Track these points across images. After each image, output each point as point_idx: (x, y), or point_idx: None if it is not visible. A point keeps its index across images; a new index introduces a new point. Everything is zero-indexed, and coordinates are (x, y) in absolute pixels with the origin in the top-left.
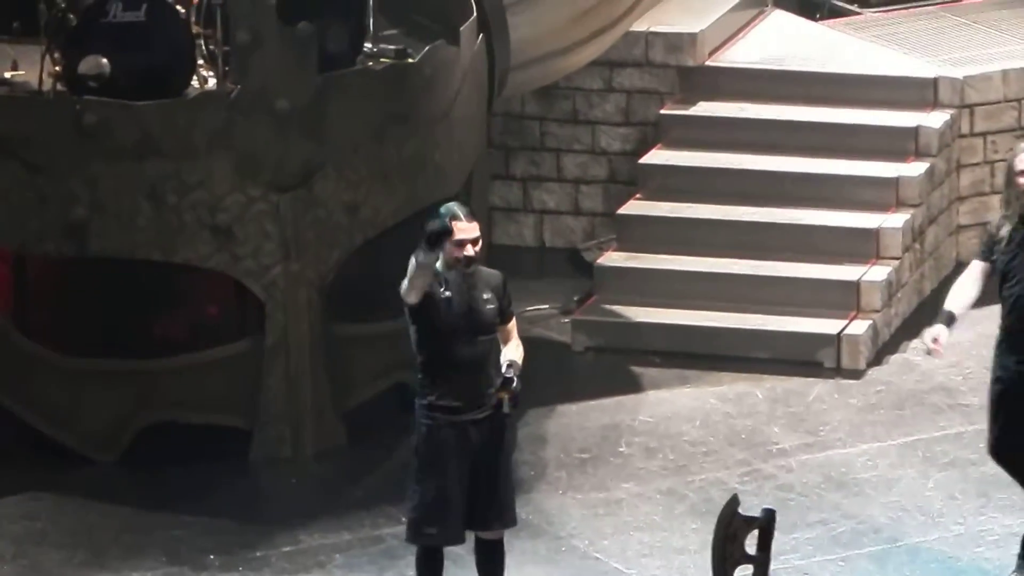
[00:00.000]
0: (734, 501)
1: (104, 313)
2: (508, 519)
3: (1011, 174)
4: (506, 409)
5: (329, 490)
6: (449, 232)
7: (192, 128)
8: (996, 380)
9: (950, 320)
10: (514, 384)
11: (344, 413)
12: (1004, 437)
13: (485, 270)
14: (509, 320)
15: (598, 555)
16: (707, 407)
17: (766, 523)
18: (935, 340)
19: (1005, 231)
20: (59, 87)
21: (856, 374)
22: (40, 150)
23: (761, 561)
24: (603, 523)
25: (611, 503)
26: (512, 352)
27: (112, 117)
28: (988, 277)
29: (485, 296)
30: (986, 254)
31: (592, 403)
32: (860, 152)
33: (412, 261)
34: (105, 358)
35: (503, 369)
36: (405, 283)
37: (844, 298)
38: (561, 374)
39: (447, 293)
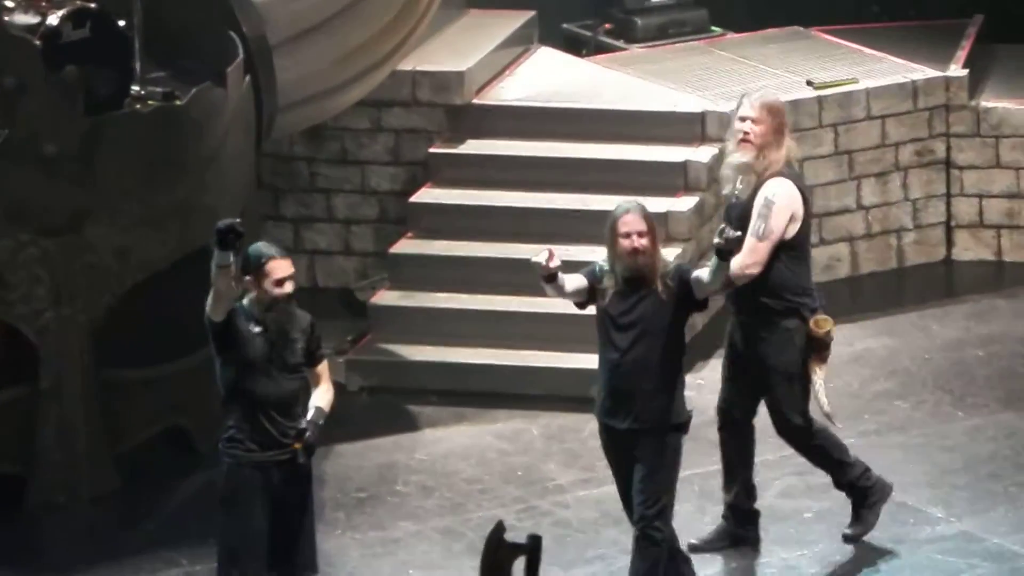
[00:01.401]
0: (499, 528)
1: None
2: (312, 564)
3: (614, 234)
4: (300, 459)
5: (107, 536)
6: (265, 271)
7: None
8: None
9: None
10: (307, 434)
11: (119, 457)
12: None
13: (296, 311)
14: (319, 363)
15: None
16: (483, 444)
17: (531, 550)
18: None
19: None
20: None
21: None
22: None
23: None
24: (382, 562)
25: (389, 542)
26: (320, 398)
27: None
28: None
29: (294, 335)
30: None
31: (368, 442)
32: (630, 188)
33: (212, 268)
34: None
35: (308, 416)
36: (209, 298)
37: None
38: (337, 414)
39: (256, 329)
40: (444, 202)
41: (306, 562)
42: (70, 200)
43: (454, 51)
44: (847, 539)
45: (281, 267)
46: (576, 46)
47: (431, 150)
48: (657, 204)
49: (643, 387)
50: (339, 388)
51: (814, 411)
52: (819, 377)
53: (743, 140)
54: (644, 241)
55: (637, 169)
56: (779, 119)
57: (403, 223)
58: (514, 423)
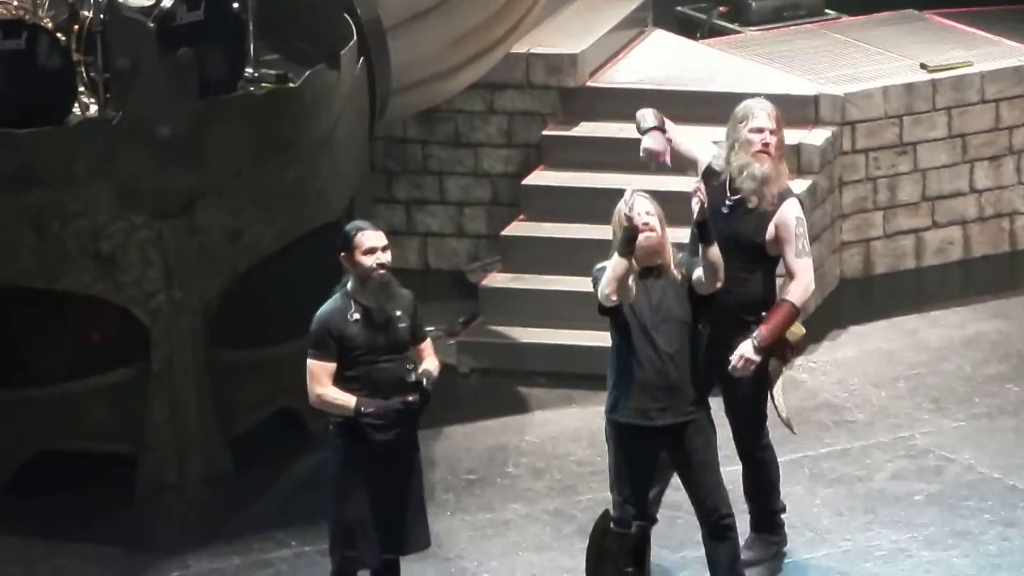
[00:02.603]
0: (605, 517)
1: None
2: (423, 541)
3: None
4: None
5: (216, 516)
6: (354, 244)
7: (73, 156)
8: None
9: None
10: (424, 384)
11: (230, 439)
12: None
13: (398, 289)
14: (423, 340)
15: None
16: (593, 426)
17: (639, 538)
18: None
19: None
20: None
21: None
22: None
23: None
24: (491, 544)
25: (499, 524)
26: (428, 363)
27: None
28: None
29: (397, 313)
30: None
31: (478, 424)
32: None
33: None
34: None
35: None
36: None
37: None
38: (447, 396)
39: (356, 316)
40: (556, 184)
41: (417, 539)
42: (182, 182)
43: (568, 34)
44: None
45: (370, 238)
46: (690, 29)
47: (544, 132)
48: None
49: (681, 379)
50: (450, 370)
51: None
52: (778, 381)
53: (762, 151)
54: (653, 220)
55: None
56: (783, 130)
57: (515, 205)
58: None
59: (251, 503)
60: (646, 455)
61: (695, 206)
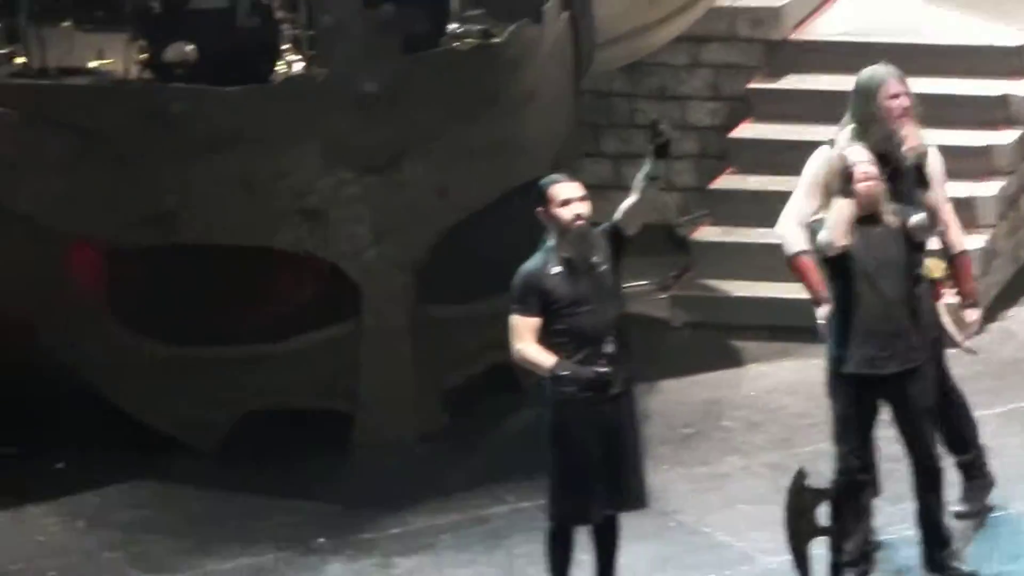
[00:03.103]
0: (801, 475)
1: (201, 300)
2: (644, 499)
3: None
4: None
5: (433, 472)
6: (549, 196)
7: (280, 113)
8: None
9: None
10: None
11: (443, 395)
12: None
13: (598, 237)
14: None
15: (706, 529)
16: (809, 378)
17: (836, 494)
18: None
19: None
20: (145, 75)
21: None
22: (128, 139)
23: (835, 532)
24: (710, 497)
25: (717, 477)
26: None
27: (199, 104)
28: None
29: (597, 259)
30: None
31: (693, 378)
32: (949, 122)
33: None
34: (202, 346)
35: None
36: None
37: None
38: (661, 350)
39: (556, 269)
40: (764, 137)
41: (638, 496)
42: (389, 138)
43: None
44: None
45: (565, 189)
46: None
47: (750, 85)
48: (978, 138)
49: (905, 325)
50: (662, 324)
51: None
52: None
53: (904, 115)
54: (873, 169)
55: (956, 103)
56: None
57: (724, 158)
58: None
59: (468, 459)
60: (872, 404)
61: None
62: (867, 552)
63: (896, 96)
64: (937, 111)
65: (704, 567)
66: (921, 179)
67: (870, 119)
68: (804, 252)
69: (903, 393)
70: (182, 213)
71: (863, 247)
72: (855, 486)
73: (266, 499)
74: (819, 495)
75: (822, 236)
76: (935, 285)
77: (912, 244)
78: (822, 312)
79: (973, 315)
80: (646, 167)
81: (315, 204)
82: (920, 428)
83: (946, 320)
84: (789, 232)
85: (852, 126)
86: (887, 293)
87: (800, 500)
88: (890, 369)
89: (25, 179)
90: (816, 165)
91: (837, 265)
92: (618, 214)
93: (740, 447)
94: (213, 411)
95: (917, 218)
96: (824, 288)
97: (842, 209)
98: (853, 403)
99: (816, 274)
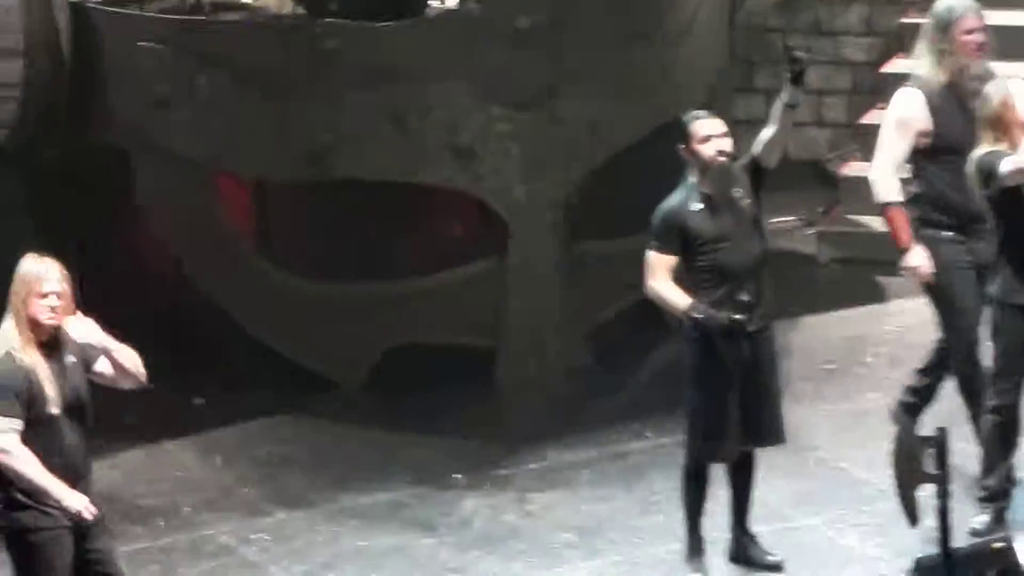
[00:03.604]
0: (908, 422)
1: (347, 236)
2: (781, 435)
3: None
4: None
5: (575, 408)
6: (691, 133)
7: (432, 48)
8: None
9: None
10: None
11: (588, 332)
12: None
13: (734, 170)
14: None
15: (844, 466)
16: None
17: (941, 441)
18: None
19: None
20: (298, 11)
21: None
22: (280, 76)
23: (941, 479)
24: (850, 434)
25: (857, 414)
26: None
27: (352, 40)
28: None
29: (738, 193)
30: None
31: (837, 314)
32: None
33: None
34: (348, 282)
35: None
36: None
37: None
38: (806, 286)
39: (698, 206)
40: None
41: (774, 432)
42: (541, 74)
43: None
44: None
45: (706, 126)
46: None
47: (903, 20)
48: None
49: None
50: (809, 260)
51: None
52: None
53: (979, 50)
54: None
55: None
56: None
57: (875, 94)
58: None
59: (609, 395)
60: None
61: None
62: (1006, 488)
63: (971, 31)
64: None
65: (842, 503)
66: None
67: (944, 53)
68: (895, 203)
69: None
70: (334, 150)
71: None
72: (1013, 422)
73: (405, 435)
74: (926, 441)
75: (1013, 164)
76: None
77: None
78: (911, 260)
79: None
80: (784, 95)
81: (465, 140)
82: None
83: None
84: (883, 179)
85: (926, 58)
86: None
87: (908, 445)
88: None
89: (177, 116)
90: (903, 105)
91: (1013, 198)
92: (756, 146)
93: (881, 383)
94: (358, 347)
95: None
96: (911, 237)
97: None
98: (1022, 337)
99: (906, 224)
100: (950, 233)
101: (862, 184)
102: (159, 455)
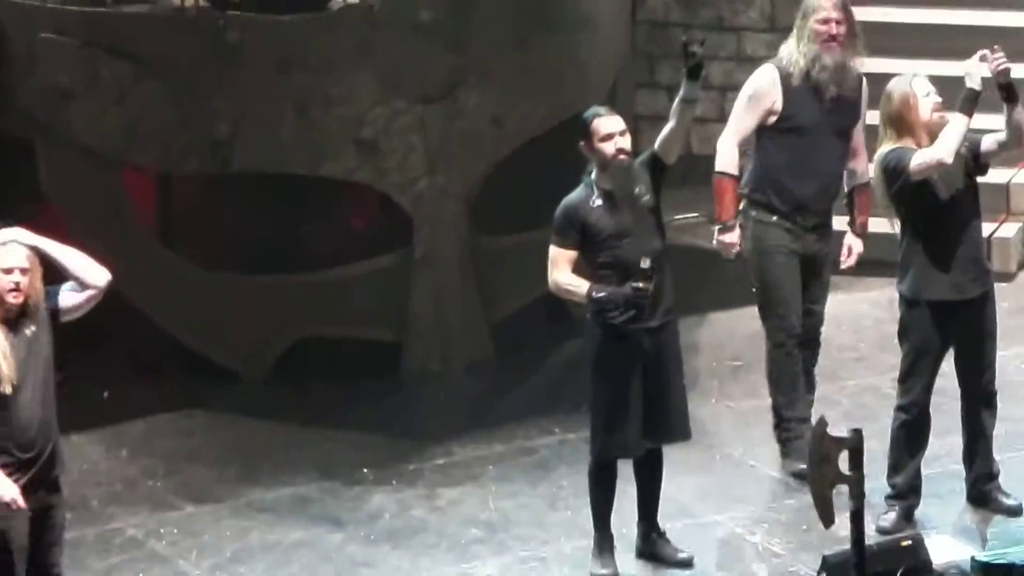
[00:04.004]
0: (822, 423)
1: (252, 228)
2: (686, 431)
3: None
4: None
5: (480, 403)
6: (591, 130)
7: (335, 41)
8: None
9: None
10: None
11: (492, 326)
12: None
13: (634, 166)
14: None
15: (753, 463)
16: (857, 312)
17: (855, 443)
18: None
19: None
20: (201, 3)
21: (1007, 277)
22: (183, 67)
23: (855, 480)
24: (756, 431)
25: (763, 411)
26: None
27: (255, 32)
28: None
29: (638, 190)
30: None
31: (742, 310)
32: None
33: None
34: (252, 273)
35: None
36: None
37: (994, 201)
38: (710, 282)
39: (598, 202)
40: None
41: (679, 428)
42: (445, 66)
43: None
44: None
45: (607, 124)
46: None
47: None
48: None
49: (982, 248)
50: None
51: None
52: None
53: (830, 41)
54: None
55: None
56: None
57: None
58: (888, 291)
59: (514, 390)
60: (947, 335)
61: (995, 67)
62: (915, 486)
63: (826, 22)
64: None
65: (749, 499)
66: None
67: (803, 38)
68: (729, 175)
69: (980, 316)
70: (236, 142)
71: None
72: (920, 421)
73: (311, 429)
74: (840, 443)
75: (923, 158)
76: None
77: (981, 165)
78: (727, 237)
79: (859, 246)
80: (681, 90)
81: (369, 133)
82: (989, 352)
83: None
84: (724, 150)
85: (791, 39)
86: (969, 216)
87: (823, 446)
88: (973, 293)
89: (80, 107)
90: (758, 80)
91: (924, 191)
92: (657, 143)
93: None
94: (263, 339)
95: (992, 139)
96: (733, 215)
97: (960, 127)
98: (933, 333)
99: (733, 199)
100: (776, 218)
101: None
102: (65, 448)
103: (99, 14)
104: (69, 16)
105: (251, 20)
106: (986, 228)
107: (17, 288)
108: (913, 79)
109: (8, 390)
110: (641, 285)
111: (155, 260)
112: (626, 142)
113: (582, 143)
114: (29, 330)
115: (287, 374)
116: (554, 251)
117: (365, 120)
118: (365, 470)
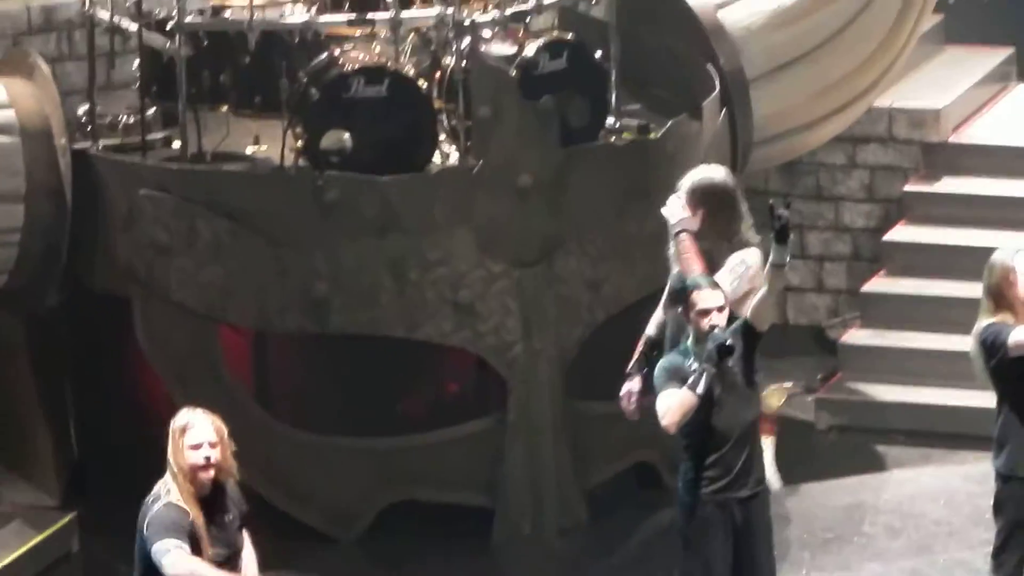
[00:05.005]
0: None
1: (346, 390)
2: None
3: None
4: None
5: (572, 568)
6: (691, 302)
7: (433, 203)
8: None
9: None
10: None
11: (585, 491)
12: None
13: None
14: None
15: None
16: (951, 486)
17: None
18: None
19: None
20: (301, 162)
21: None
22: (282, 225)
23: None
24: None
25: None
26: None
27: (354, 192)
28: None
29: (730, 364)
30: None
31: (835, 482)
32: None
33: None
34: (347, 435)
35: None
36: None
37: None
38: (804, 453)
39: (695, 365)
40: (918, 240)
41: None
42: (542, 230)
43: (931, 87)
44: None
45: (707, 298)
46: None
47: (906, 188)
48: None
49: None
50: (807, 426)
51: None
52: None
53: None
54: None
55: None
56: None
57: (876, 261)
58: (983, 465)
59: (607, 555)
60: None
61: None
62: None
63: (706, 314)
64: None
65: None
66: None
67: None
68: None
69: None
70: (333, 302)
71: None
72: None
73: None
74: None
75: (1021, 335)
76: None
77: None
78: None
79: None
80: (771, 255)
81: (466, 296)
82: None
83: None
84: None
85: None
86: None
87: None
88: None
89: (178, 264)
90: None
91: (1018, 367)
92: (749, 310)
93: (880, 553)
94: (355, 502)
95: None
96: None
97: None
98: None
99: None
100: None
101: (862, 352)
102: None
103: (198, 171)
104: (168, 173)
105: (349, 180)
106: None
107: (208, 461)
108: (1016, 254)
109: None
110: (727, 340)
111: (248, 418)
112: (722, 319)
113: (681, 310)
114: (227, 517)
115: (378, 535)
116: (659, 404)
117: (462, 283)
118: None
